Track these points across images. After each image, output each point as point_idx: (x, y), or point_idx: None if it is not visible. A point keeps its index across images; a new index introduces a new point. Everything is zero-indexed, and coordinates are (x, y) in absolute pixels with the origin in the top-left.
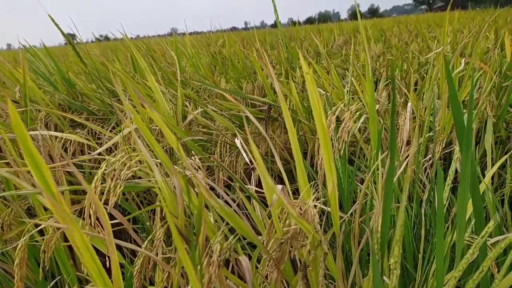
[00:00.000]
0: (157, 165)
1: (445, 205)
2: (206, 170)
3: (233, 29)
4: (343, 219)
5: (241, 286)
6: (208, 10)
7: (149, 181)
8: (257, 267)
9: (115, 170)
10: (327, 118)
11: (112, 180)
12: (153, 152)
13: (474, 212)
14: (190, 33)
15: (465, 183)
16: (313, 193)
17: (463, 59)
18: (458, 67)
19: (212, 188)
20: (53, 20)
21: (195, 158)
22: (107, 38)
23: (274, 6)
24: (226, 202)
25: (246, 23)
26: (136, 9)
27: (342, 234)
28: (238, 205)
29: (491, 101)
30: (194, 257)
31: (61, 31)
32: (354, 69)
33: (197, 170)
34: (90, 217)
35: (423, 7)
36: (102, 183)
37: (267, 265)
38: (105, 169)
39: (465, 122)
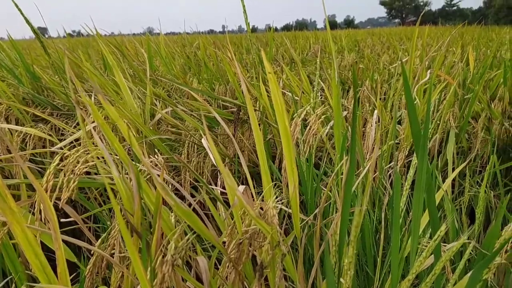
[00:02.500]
0: (116, 162)
1: (403, 209)
2: (173, 170)
3: (211, 32)
4: (305, 221)
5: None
6: (186, 12)
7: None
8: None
9: (69, 165)
10: (293, 121)
11: (65, 175)
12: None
13: (430, 218)
14: (166, 34)
15: (420, 188)
16: (278, 196)
17: (429, 71)
18: (424, 78)
19: (177, 189)
20: (20, 11)
21: (157, 156)
22: (80, 34)
23: (244, 9)
24: (192, 204)
25: (224, 26)
26: (113, 8)
27: (305, 236)
28: (204, 206)
29: (455, 112)
30: (145, 255)
31: (28, 22)
32: (326, 75)
33: (160, 168)
34: (40, 213)
35: (396, 20)
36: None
37: (227, 266)
38: (59, 164)
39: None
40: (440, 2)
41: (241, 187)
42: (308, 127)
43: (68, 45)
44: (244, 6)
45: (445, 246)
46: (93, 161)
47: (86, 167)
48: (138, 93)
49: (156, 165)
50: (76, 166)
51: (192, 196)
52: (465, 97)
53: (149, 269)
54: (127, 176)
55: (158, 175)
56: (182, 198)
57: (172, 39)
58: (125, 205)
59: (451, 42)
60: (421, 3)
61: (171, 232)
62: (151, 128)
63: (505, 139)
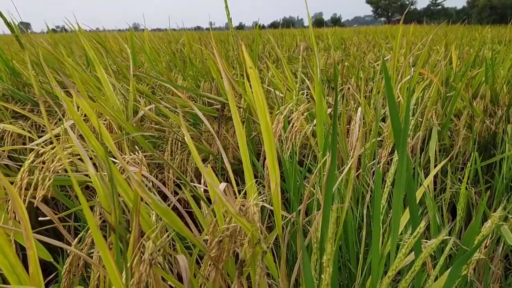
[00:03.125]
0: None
1: (384, 206)
2: (157, 168)
3: (197, 28)
4: (288, 218)
5: (178, 287)
6: (173, 8)
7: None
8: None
9: (47, 162)
10: (275, 118)
11: (40, 172)
12: (105, 145)
13: (410, 214)
14: (153, 30)
15: (400, 184)
16: (262, 193)
17: (413, 69)
18: (407, 76)
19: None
20: None
21: (138, 153)
22: (64, 30)
23: (226, 5)
24: (175, 202)
25: (211, 23)
26: (99, 3)
27: (288, 233)
28: (189, 204)
29: (437, 110)
30: (119, 255)
31: (2, 17)
32: (311, 73)
33: (142, 166)
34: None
35: (382, 19)
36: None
37: (209, 264)
38: (34, 161)
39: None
40: (425, 1)
41: (222, 185)
42: (291, 124)
43: (51, 40)
44: (226, 2)
45: (426, 242)
46: (69, 159)
47: (61, 165)
48: (121, 89)
49: (138, 162)
50: (52, 164)
51: (177, 194)
52: (447, 95)
53: (125, 269)
54: (106, 173)
55: (136, 172)
56: (166, 196)
57: (158, 36)
58: (102, 203)
59: (435, 40)
60: (407, 2)
61: (152, 231)
62: (134, 125)
63: (487, 136)
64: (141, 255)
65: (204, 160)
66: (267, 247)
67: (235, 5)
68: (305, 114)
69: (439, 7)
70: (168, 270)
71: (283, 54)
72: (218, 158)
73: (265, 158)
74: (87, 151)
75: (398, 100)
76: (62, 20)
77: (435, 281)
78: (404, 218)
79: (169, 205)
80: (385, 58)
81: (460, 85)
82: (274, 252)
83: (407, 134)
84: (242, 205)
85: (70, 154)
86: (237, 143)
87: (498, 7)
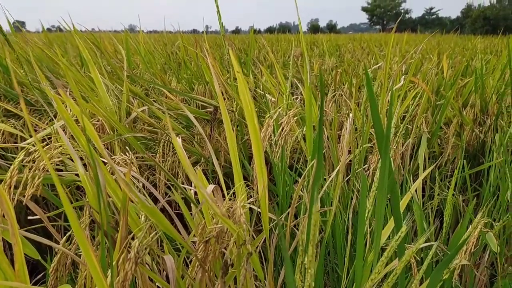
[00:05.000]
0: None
1: (370, 211)
2: (149, 169)
3: (194, 31)
4: (276, 221)
5: (165, 287)
6: (170, 11)
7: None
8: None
9: (38, 160)
10: (266, 122)
11: (30, 171)
12: (93, 146)
13: (394, 218)
14: (149, 32)
15: (383, 189)
16: (252, 195)
17: (403, 77)
18: (398, 84)
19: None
20: None
21: (129, 154)
22: (58, 30)
23: (218, 9)
24: (165, 204)
25: (207, 26)
26: (95, 4)
27: (276, 236)
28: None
29: (428, 118)
30: (104, 253)
31: None
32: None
33: (133, 167)
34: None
35: (377, 27)
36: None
37: (196, 265)
38: (24, 159)
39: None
40: (420, 11)
41: (210, 187)
42: (280, 128)
43: (46, 40)
44: (217, 6)
45: (411, 247)
46: (59, 158)
47: (51, 163)
48: (115, 90)
49: (129, 163)
50: (42, 162)
51: (169, 196)
52: (437, 103)
53: (111, 267)
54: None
55: (125, 173)
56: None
57: (153, 38)
58: (91, 202)
59: (428, 49)
60: (402, 11)
61: (136, 229)
62: (126, 126)
63: (476, 145)
64: (128, 253)
65: (196, 163)
66: (255, 249)
67: (233, 9)
68: (295, 118)
69: (434, 16)
70: (156, 270)
71: (278, 59)
72: (210, 160)
73: None
74: (78, 150)
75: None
76: (57, 20)
77: (420, 285)
78: (391, 223)
79: (160, 207)
80: (376, 66)
81: (450, 94)
82: (263, 255)
83: (390, 140)
84: (231, 207)
85: (61, 153)
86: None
87: (491, 18)
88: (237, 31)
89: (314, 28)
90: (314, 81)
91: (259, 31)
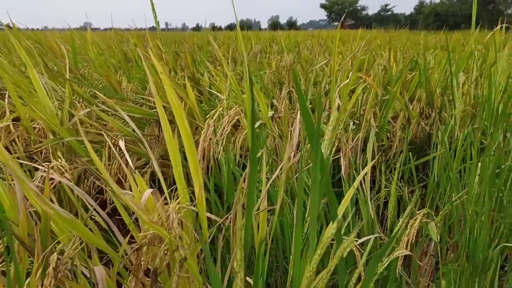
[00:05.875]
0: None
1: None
2: (93, 174)
3: (152, 28)
4: (219, 222)
5: None
6: (129, 8)
7: None
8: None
9: None
10: (205, 122)
11: None
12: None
13: (331, 213)
14: (106, 29)
15: (316, 184)
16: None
17: (351, 73)
18: (346, 80)
19: (99, 193)
20: None
21: (61, 160)
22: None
23: (153, 7)
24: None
25: (166, 23)
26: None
27: (223, 239)
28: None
29: (376, 112)
30: (17, 268)
31: None
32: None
33: (66, 174)
34: None
35: (336, 23)
36: None
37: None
38: None
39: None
40: (376, 7)
41: (148, 191)
42: (222, 128)
43: None
44: (152, 3)
45: (356, 241)
46: None
47: None
48: (59, 91)
49: (61, 170)
50: None
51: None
52: (383, 98)
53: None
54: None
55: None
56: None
57: (108, 36)
58: (9, 214)
59: (382, 45)
60: (359, 8)
61: (69, 243)
62: (70, 129)
63: (422, 137)
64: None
65: (145, 165)
66: (201, 254)
67: (193, 6)
68: (236, 118)
69: (389, 12)
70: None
71: (238, 57)
72: (161, 162)
73: (208, 162)
74: None
75: (338, 103)
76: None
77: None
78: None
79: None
80: (323, 62)
81: (395, 89)
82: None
83: (320, 136)
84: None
85: None
86: (181, 146)
87: (441, 14)
88: (197, 28)
89: (275, 24)
90: (272, 78)
91: (220, 28)
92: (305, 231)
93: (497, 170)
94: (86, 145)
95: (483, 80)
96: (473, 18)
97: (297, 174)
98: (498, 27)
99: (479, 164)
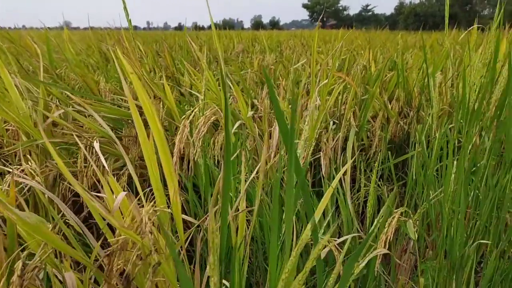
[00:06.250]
0: None
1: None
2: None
3: (134, 28)
4: (196, 224)
5: None
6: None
7: None
8: None
9: None
10: (182, 123)
11: None
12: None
13: (307, 214)
14: (86, 29)
15: (291, 185)
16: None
17: (330, 73)
18: (325, 80)
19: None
20: None
21: (31, 163)
22: None
23: (124, 5)
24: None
25: (148, 23)
26: None
27: (200, 241)
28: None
29: (356, 112)
30: None
31: None
32: (246, 76)
33: (37, 177)
34: None
35: (318, 23)
36: None
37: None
38: None
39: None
40: (357, 8)
41: (122, 194)
42: (197, 129)
43: None
44: (124, 2)
45: (335, 240)
46: None
47: None
48: (34, 93)
49: (32, 173)
50: None
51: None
52: (363, 97)
53: None
54: None
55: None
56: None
57: (88, 35)
58: None
59: (363, 45)
60: (340, 8)
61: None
62: (45, 130)
63: (401, 136)
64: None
65: (123, 166)
66: (182, 258)
67: (175, 5)
68: (213, 118)
69: (370, 13)
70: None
71: (219, 56)
72: (138, 164)
73: (188, 163)
74: None
75: (317, 102)
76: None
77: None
78: (316, 216)
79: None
80: (302, 62)
81: (374, 89)
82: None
83: (294, 136)
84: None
85: None
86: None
87: (421, 15)
88: (179, 27)
89: (257, 24)
90: (254, 78)
91: (202, 28)
92: (283, 232)
93: (474, 168)
94: (60, 148)
95: (459, 80)
96: (446, 20)
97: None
98: (472, 27)
99: (455, 162)
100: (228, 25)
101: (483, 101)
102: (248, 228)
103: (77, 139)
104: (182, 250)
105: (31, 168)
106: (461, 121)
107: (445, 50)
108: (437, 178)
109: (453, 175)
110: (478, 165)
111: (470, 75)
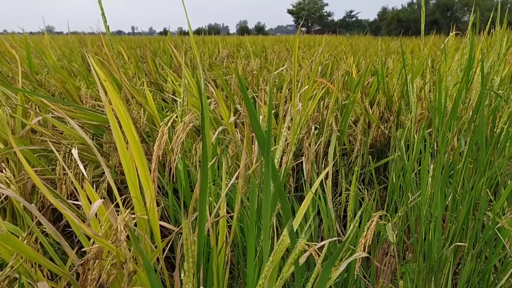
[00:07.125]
0: None
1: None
2: (51, 184)
3: (119, 32)
4: (176, 231)
5: None
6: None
7: None
8: None
9: None
10: (160, 129)
11: None
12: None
13: (283, 218)
14: (69, 33)
15: (268, 191)
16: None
17: (310, 78)
18: (306, 85)
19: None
20: None
21: (5, 172)
22: None
23: (102, 11)
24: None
25: (133, 27)
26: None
27: (181, 247)
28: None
29: (338, 117)
30: None
31: None
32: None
33: (12, 185)
34: None
35: (303, 29)
36: None
37: None
38: None
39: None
40: (341, 14)
41: (98, 202)
42: (176, 136)
43: None
44: (102, 8)
45: (315, 245)
46: None
47: None
48: (13, 99)
49: (7, 181)
50: None
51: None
52: (343, 103)
53: None
54: None
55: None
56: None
57: (72, 40)
58: None
59: (347, 51)
60: (325, 13)
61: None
62: (23, 137)
63: (382, 140)
64: None
65: (103, 173)
66: (160, 266)
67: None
68: (191, 124)
69: (354, 19)
70: None
71: (205, 61)
72: (119, 170)
73: (170, 170)
74: None
75: (299, 108)
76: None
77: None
78: (296, 221)
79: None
80: (283, 67)
81: (355, 94)
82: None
83: (270, 142)
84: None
85: None
86: (146, 156)
87: (403, 21)
88: (164, 32)
89: (243, 29)
90: (238, 83)
91: (187, 33)
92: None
93: (452, 172)
94: (39, 155)
95: (437, 85)
96: (422, 27)
97: (258, 180)
98: (452, 34)
99: (432, 166)
100: (214, 30)
101: (457, 107)
102: (229, 233)
103: (52, 147)
104: (161, 257)
105: (5, 176)
106: (438, 125)
107: (425, 55)
108: (417, 181)
109: (430, 179)
110: (455, 169)
111: (445, 80)
